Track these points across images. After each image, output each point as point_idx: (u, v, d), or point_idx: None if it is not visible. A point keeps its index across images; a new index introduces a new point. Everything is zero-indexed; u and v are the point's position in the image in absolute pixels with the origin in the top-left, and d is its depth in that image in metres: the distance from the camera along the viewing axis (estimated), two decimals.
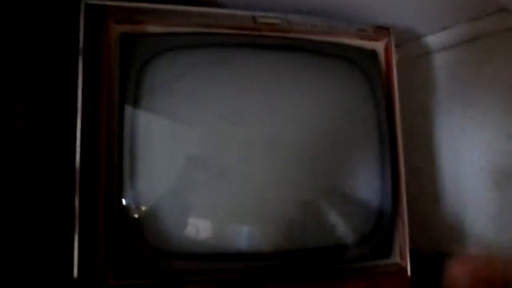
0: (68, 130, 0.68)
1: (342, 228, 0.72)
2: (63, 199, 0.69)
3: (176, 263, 0.65)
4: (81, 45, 0.68)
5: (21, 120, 0.66)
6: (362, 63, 0.77)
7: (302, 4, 0.83)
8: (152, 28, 0.70)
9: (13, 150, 0.62)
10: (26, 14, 0.68)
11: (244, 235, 0.69)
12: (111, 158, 0.66)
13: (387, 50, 0.82)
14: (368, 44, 0.81)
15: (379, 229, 0.74)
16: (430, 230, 1.12)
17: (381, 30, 0.83)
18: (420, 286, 0.85)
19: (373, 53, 0.80)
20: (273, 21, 0.76)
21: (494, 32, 1.01)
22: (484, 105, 1.04)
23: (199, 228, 0.67)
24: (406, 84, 1.15)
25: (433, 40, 1.11)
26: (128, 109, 0.67)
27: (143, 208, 0.67)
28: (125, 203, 0.65)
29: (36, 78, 0.71)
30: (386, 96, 0.79)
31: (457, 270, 0.78)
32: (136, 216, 0.66)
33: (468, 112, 1.05)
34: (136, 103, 0.67)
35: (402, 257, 0.77)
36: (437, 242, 1.11)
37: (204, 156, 0.69)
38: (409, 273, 0.78)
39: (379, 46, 0.82)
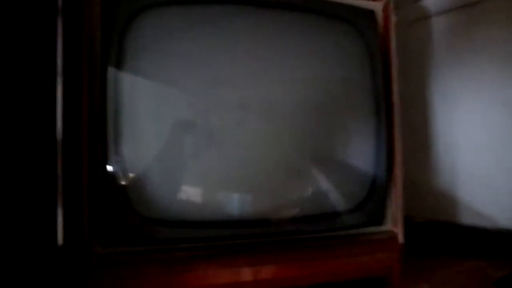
0: (48, 94, 0.65)
1: (336, 195, 0.71)
2: (45, 165, 0.66)
3: (164, 230, 0.63)
4: (60, 3, 0.65)
5: None
6: (359, 23, 0.74)
7: None
8: None
9: None
10: None
11: (234, 202, 0.67)
12: (94, 124, 0.63)
13: (385, 10, 0.79)
14: (366, 4, 0.77)
15: (372, 196, 0.72)
16: (422, 199, 1.12)
17: None
18: (412, 253, 0.85)
19: (371, 13, 0.76)
20: None
21: None
22: (480, 72, 1.01)
23: (187, 195, 0.65)
24: (403, 47, 1.12)
25: (431, 3, 1.08)
26: (111, 71, 0.63)
27: (129, 174, 0.64)
28: (110, 169, 0.62)
29: (13, 40, 0.67)
30: (383, 58, 0.76)
31: None
32: (122, 182, 0.63)
33: (464, 79, 1.03)
34: (119, 64, 0.63)
35: (395, 224, 0.76)
36: (429, 211, 1.12)
37: (193, 120, 0.66)
38: (401, 240, 0.78)
39: (377, 6, 0.79)
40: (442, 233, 1.07)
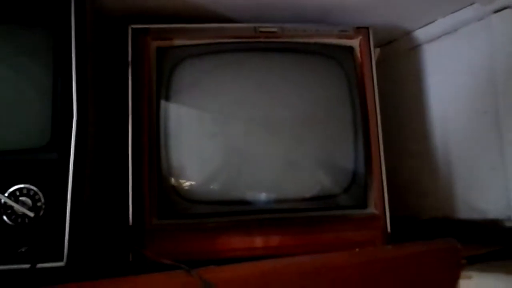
0: (122, 119, 0.89)
1: (325, 182, 0.94)
2: (121, 168, 0.90)
3: (199, 207, 0.89)
4: (130, 57, 0.90)
5: (93, 113, 0.88)
6: (340, 57, 0.98)
7: (299, 13, 1.05)
8: (178, 42, 0.94)
9: (88, 134, 0.82)
10: (94, 39, 0.92)
11: (249, 188, 0.92)
12: (152, 139, 0.88)
13: (361, 45, 1.01)
14: (346, 42, 1.00)
15: (354, 184, 0.94)
16: (426, 199, 1.28)
17: (360, 30, 1.02)
18: None
19: (349, 49, 1.00)
20: (271, 29, 0.99)
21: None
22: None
23: (216, 183, 0.91)
24: (402, 72, 1.32)
25: (420, 33, 1.28)
26: (162, 102, 0.91)
27: (176, 172, 0.91)
28: (163, 168, 0.90)
29: (101, 83, 0.95)
30: (360, 83, 0.99)
31: None
32: (171, 177, 0.90)
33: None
34: (167, 97, 0.91)
35: (377, 208, 0.96)
36: (432, 209, 1.27)
37: (216, 132, 0.93)
38: (388, 224, 0.97)
39: (355, 43, 1.01)
40: (443, 228, 1.22)
